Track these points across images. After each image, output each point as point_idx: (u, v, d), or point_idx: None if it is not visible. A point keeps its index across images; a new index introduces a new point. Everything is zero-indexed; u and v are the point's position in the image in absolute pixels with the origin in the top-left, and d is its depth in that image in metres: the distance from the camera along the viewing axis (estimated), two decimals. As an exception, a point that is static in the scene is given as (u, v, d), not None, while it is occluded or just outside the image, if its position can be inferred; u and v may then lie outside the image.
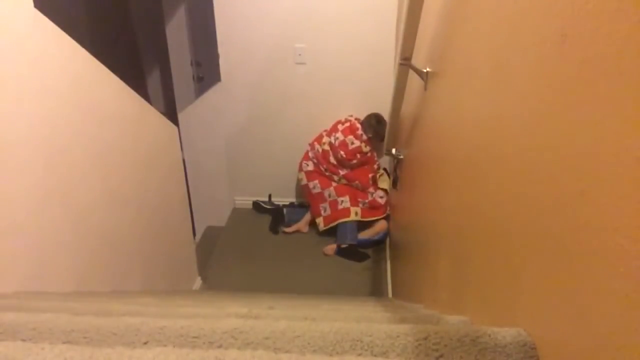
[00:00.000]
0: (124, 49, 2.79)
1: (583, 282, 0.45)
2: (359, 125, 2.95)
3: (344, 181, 3.06)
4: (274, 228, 3.28)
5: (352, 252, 3.02)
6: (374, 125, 2.93)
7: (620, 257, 0.39)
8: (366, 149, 2.98)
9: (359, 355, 0.59)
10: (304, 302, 1.82)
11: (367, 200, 3.06)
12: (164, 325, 0.64)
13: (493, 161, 0.75)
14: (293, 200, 3.52)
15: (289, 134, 3.22)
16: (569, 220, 0.48)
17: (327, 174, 3.07)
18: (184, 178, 2.58)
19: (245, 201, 3.55)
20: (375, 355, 0.59)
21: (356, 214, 3.04)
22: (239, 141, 3.31)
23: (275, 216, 3.32)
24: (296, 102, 3.12)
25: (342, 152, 2.94)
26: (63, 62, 1.38)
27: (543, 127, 0.55)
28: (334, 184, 3.06)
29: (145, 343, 0.62)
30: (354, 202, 3.05)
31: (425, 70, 1.41)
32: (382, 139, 2.69)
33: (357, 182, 3.05)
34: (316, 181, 3.08)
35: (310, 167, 3.10)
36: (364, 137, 2.94)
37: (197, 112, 3.14)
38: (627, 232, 0.38)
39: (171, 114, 3.00)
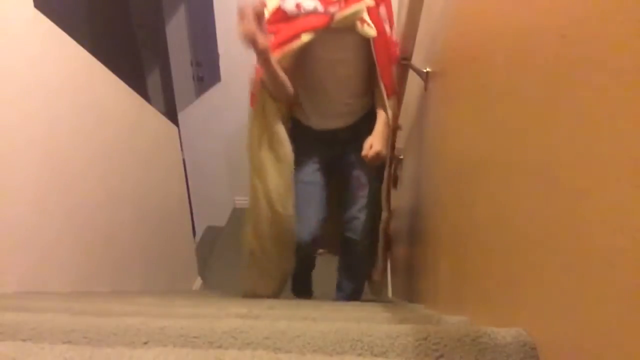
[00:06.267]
0: (124, 49, 2.79)
1: (583, 282, 0.45)
2: None
3: None
4: None
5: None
6: None
7: (620, 257, 0.39)
8: None
9: (359, 355, 0.59)
10: (304, 302, 1.82)
11: None
12: (164, 326, 0.64)
13: (492, 161, 0.75)
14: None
15: (288, 133, 3.22)
16: (569, 219, 0.47)
17: None
18: (184, 178, 2.58)
19: (245, 201, 3.54)
20: (375, 355, 0.59)
21: None
22: (239, 141, 3.30)
23: None
24: (296, 102, 3.11)
25: None
26: (63, 62, 1.38)
27: (542, 126, 0.55)
28: None
29: (145, 343, 0.62)
30: None
31: (425, 70, 1.41)
32: None
33: None
34: None
35: None
36: None
37: (197, 112, 3.14)
38: (627, 232, 0.38)
39: (171, 114, 3.00)
